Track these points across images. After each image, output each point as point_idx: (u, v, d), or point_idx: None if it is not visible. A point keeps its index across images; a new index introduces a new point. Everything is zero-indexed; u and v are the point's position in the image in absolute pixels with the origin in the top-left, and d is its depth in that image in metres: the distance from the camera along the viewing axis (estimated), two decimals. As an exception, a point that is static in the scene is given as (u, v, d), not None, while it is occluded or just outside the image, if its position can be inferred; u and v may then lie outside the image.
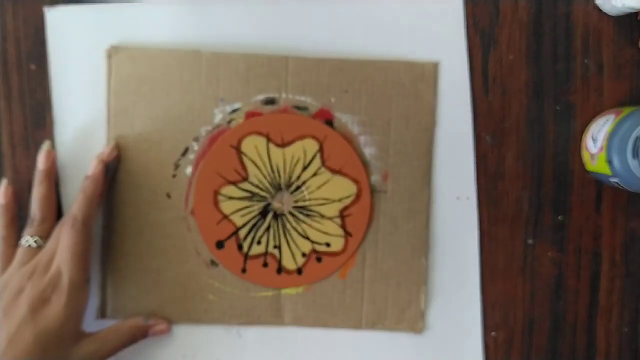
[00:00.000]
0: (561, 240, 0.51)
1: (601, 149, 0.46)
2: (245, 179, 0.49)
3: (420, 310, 0.49)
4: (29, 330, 0.42)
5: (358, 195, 0.49)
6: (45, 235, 0.46)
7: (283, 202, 0.49)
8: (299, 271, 0.49)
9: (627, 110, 0.45)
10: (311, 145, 0.49)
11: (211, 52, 0.48)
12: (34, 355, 0.41)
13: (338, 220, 0.49)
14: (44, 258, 0.45)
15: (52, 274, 0.44)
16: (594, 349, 0.51)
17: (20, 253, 0.46)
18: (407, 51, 0.49)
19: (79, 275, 0.44)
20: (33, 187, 0.47)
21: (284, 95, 0.49)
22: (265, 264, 0.49)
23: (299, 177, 0.49)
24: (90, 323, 0.48)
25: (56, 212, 0.47)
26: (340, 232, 0.49)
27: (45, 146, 0.48)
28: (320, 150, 0.49)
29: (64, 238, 0.44)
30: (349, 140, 0.49)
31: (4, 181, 0.48)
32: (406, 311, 0.49)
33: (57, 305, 0.43)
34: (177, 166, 0.49)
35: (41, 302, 0.43)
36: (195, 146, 0.48)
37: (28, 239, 0.46)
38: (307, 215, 0.49)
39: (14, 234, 0.47)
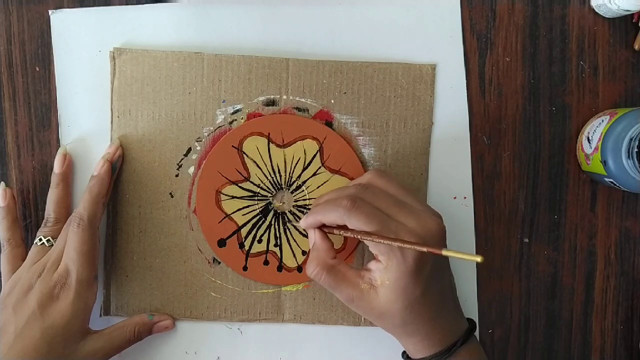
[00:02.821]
0: (557, 239, 0.51)
1: (596, 149, 0.47)
2: (246, 178, 0.49)
3: (418, 307, 0.50)
4: (37, 325, 0.43)
5: (357, 195, 0.49)
6: (57, 236, 0.47)
7: (284, 201, 0.50)
8: (299, 269, 0.50)
9: (621, 112, 0.46)
10: (311, 146, 0.49)
11: (213, 54, 0.49)
12: (41, 350, 0.42)
13: (337, 219, 0.49)
14: (53, 256, 0.45)
15: (60, 272, 0.44)
16: (589, 347, 0.52)
17: (32, 252, 0.47)
18: (405, 53, 0.49)
19: (86, 272, 0.45)
20: (49, 189, 0.48)
21: (284, 97, 0.49)
22: (266, 262, 0.50)
23: (299, 177, 0.49)
24: (95, 320, 0.48)
25: (70, 213, 0.47)
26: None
27: (61, 150, 0.49)
28: (320, 150, 0.49)
29: (71, 237, 0.45)
30: (348, 140, 0.49)
31: (2, 184, 0.49)
32: (404, 308, 0.50)
33: (64, 302, 0.44)
34: (180, 166, 0.49)
35: (49, 299, 0.44)
36: (198, 146, 0.49)
37: (41, 239, 0.47)
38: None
39: (18, 235, 0.48)
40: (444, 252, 0.36)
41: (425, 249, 0.37)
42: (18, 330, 0.43)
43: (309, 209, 0.49)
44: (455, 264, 0.48)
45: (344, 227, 0.42)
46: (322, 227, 0.44)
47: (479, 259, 0.33)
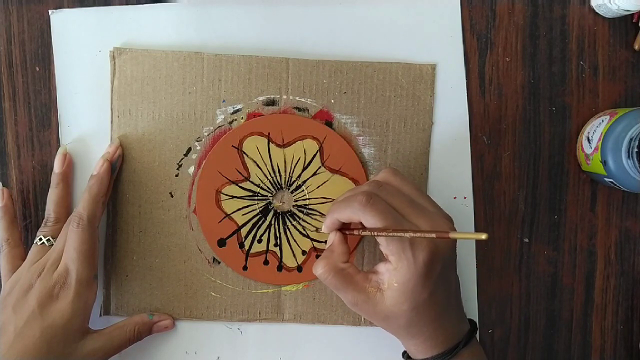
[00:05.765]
0: (557, 239, 0.51)
1: (596, 149, 0.47)
2: (246, 178, 0.49)
3: (418, 307, 0.50)
4: (37, 325, 0.43)
5: (357, 195, 0.49)
6: (57, 235, 0.47)
7: (284, 201, 0.50)
8: (299, 269, 0.50)
9: (621, 112, 0.46)
10: (311, 146, 0.49)
11: (213, 54, 0.49)
12: (41, 349, 0.42)
13: (337, 219, 0.49)
14: (53, 256, 0.45)
15: (60, 271, 0.44)
16: (589, 346, 0.52)
17: (32, 251, 0.47)
18: (405, 53, 0.50)
19: (86, 272, 0.45)
20: (49, 189, 0.48)
21: (284, 97, 0.49)
22: (266, 262, 0.50)
23: (299, 177, 0.49)
24: (95, 320, 0.48)
25: (70, 213, 0.47)
26: (340, 230, 0.49)
27: (61, 150, 0.49)
28: (320, 150, 0.49)
29: (71, 237, 0.45)
30: (348, 140, 0.49)
31: None
32: (404, 308, 0.50)
33: (64, 302, 0.44)
34: (179, 166, 0.49)
35: (49, 298, 0.44)
36: (198, 146, 0.49)
37: (41, 238, 0.47)
38: (307, 214, 0.49)
39: (16, 234, 0.48)
40: (451, 235, 0.36)
41: (434, 235, 0.37)
42: (18, 329, 0.43)
43: (309, 208, 0.49)
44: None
45: (362, 227, 0.42)
46: (342, 230, 0.44)
47: (483, 236, 0.33)
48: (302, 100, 0.49)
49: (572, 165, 0.51)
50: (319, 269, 0.43)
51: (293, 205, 0.50)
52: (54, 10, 0.49)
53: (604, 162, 0.45)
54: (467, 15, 0.50)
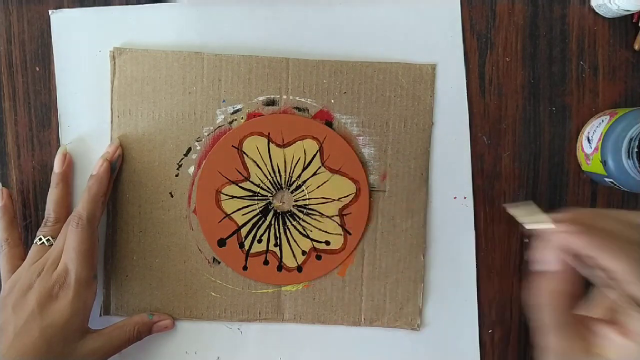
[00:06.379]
0: (557, 239, 0.51)
1: (596, 149, 0.47)
2: (246, 178, 0.49)
3: (417, 307, 0.50)
4: (36, 325, 0.43)
5: (357, 195, 0.49)
6: (57, 235, 0.47)
7: (284, 201, 0.50)
8: (299, 269, 0.50)
9: (621, 112, 0.46)
10: (311, 146, 0.49)
11: (213, 54, 0.49)
12: (40, 349, 0.42)
13: (337, 219, 0.49)
14: (52, 256, 0.45)
15: (59, 271, 0.44)
16: (589, 346, 0.52)
17: (32, 251, 0.47)
18: (405, 53, 0.50)
19: (85, 272, 0.45)
20: (49, 189, 0.48)
21: (284, 97, 0.49)
22: (266, 262, 0.50)
23: (299, 177, 0.49)
24: (95, 320, 0.48)
25: (70, 213, 0.47)
26: (340, 230, 0.49)
27: (61, 150, 0.49)
28: (320, 150, 0.49)
29: (70, 236, 0.45)
30: (348, 140, 0.49)
31: None
32: (404, 308, 0.50)
33: (63, 302, 0.44)
34: (179, 166, 0.49)
35: (49, 298, 0.44)
36: (198, 146, 0.49)
37: (41, 238, 0.47)
38: (307, 214, 0.49)
39: (16, 234, 0.48)
40: None
41: None
42: (17, 329, 0.43)
43: (309, 208, 0.49)
44: (454, 263, 0.48)
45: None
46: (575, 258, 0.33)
47: None
48: (302, 100, 0.49)
49: (572, 165, 0.51)
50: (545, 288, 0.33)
51: (293, 205, 0.50)
52: (54, 10, 0.49)
53: (604, 162, 0.45)
54: (467, 15, 0.50)
